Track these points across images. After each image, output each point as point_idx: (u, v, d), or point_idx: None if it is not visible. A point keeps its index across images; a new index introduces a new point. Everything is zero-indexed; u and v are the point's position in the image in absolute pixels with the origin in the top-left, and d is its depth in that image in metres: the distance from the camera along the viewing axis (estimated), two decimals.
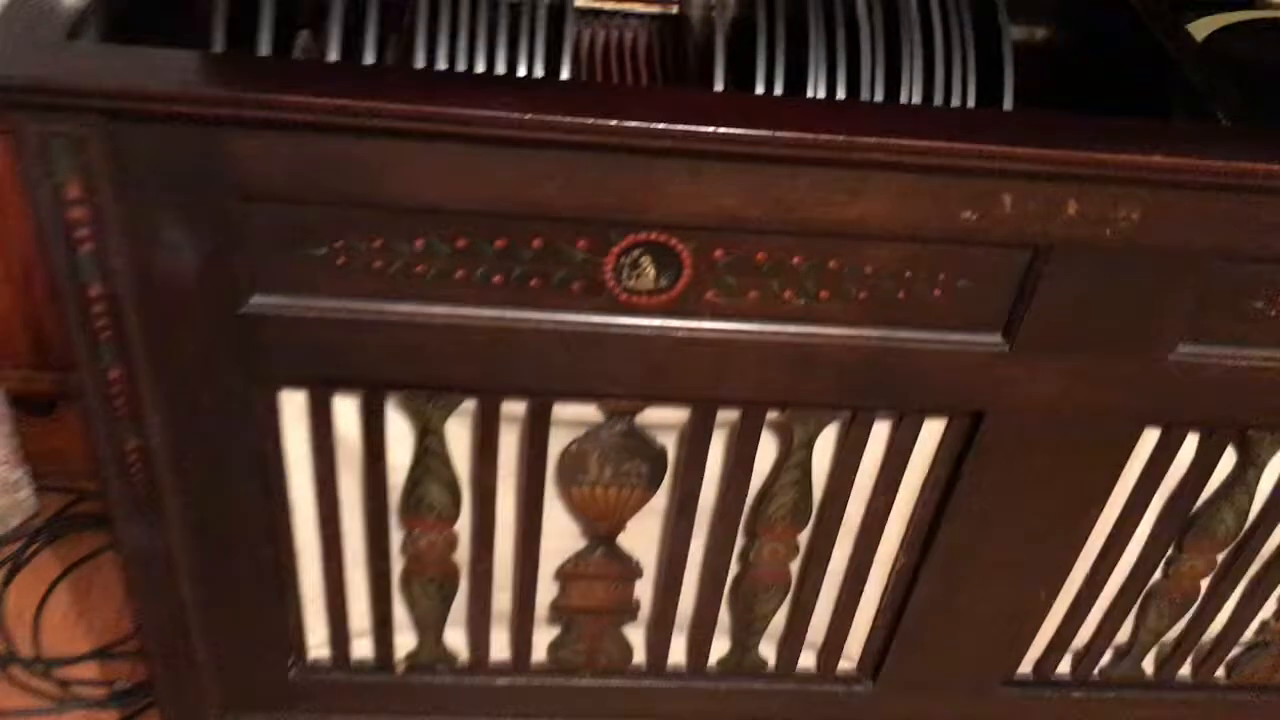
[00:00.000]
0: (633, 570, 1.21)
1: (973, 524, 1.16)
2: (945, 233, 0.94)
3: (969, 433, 1.09)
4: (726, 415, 1.08)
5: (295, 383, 1.02)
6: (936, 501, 1.15)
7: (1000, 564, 1.20)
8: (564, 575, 1.21)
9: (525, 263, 0.94)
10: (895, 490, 1.15)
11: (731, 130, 0.86)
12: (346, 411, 1.05)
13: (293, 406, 1.04)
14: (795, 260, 0.96)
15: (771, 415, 1.08)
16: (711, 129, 0.86)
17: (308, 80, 0.85)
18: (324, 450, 1.07)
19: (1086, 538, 1.20)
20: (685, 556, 1.19)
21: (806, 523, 1.17)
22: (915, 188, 0.91)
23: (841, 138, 0.86)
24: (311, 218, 0.91)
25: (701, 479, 1.12)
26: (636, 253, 0.94)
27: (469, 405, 1.05)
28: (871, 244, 0.95)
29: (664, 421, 1.08)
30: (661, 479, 1.12)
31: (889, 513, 1.17)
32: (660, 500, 1.15)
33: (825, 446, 1.11)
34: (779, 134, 0.86)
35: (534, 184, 0.88)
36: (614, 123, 0.84)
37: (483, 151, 0.86)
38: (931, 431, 1.11)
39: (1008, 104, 1.15)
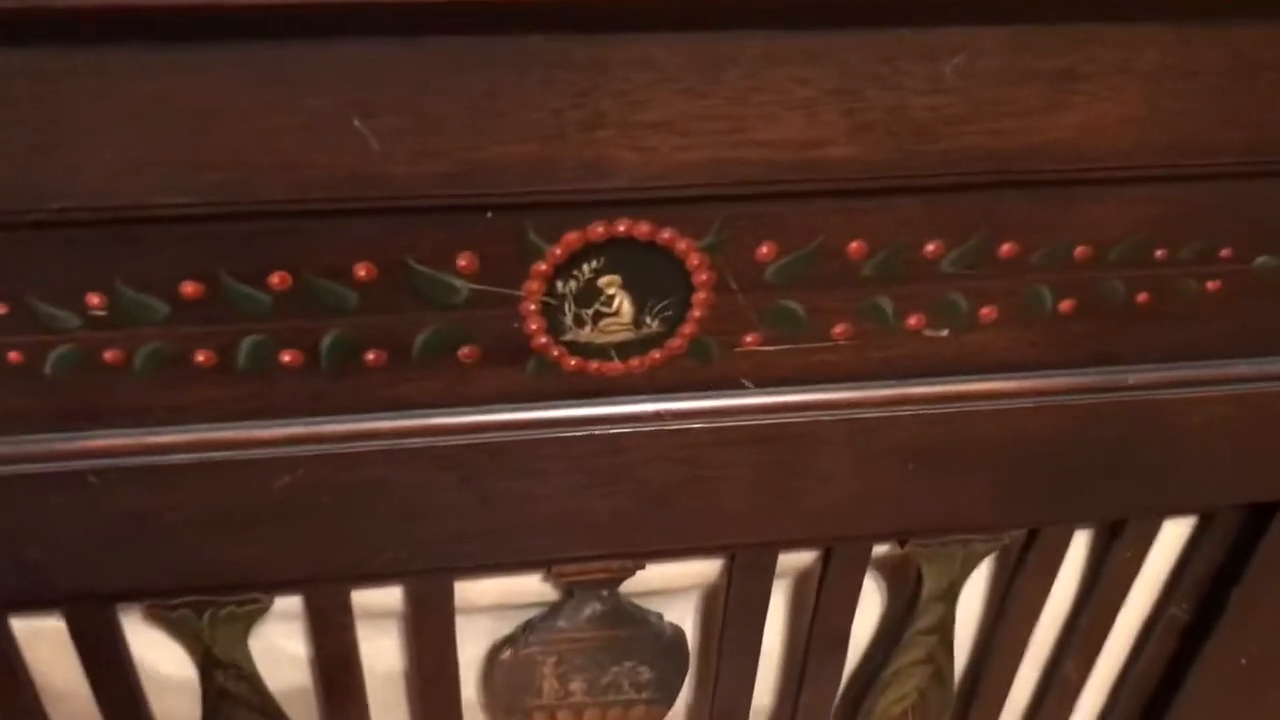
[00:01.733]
0: None
1: (1228, 686, 0.65)
2: (1249, 152, 0.43)
3: (1242, 537, 0.59)
4: (793, 560, 0.56)
5: None
6: (1167, 657, 0.65)
7: None
8: None
9: (344, 315, 0.42)
10: (1097, 649, 0.64)
11: None
12: (48, 642, 0.53)
13: None
14: (930, 249, 0.45)
15: (880, 550, 0.57)
16: None
17: None
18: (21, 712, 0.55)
19: None
20: None
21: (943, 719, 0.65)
22: (1196, 47, 0.40)
23: None
24: None
25: (754, 673, 0.60)
26: (590, 267, 0.43)
27: (288, 605, 0.53)
28: (1090, 196, 0.45)
29: (675, 583, 0.57)
30: (679, 686, 0.60)
31: (1082, 685, 0.66)
32: (682, 705, 0.63)
33: (974, 591, 0.61)
34: None
35: (336, 131, 0.37)
36: None
37: (212, 54, 0.35)
38: (1168, 544, 0.60)
39: None
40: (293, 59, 0.36)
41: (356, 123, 0.37)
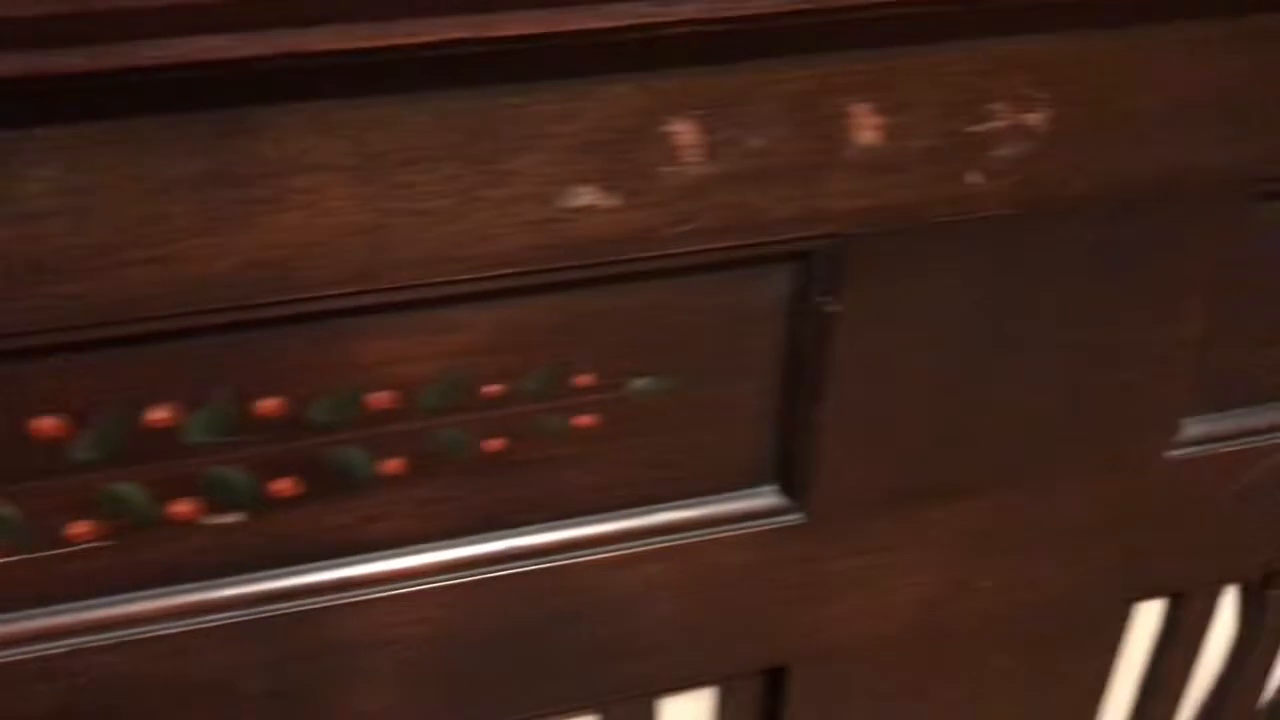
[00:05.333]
0: None
1: None
2: (545, 259, 0.34)
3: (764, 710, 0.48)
4: None
5: None
6: None
7: None
8: None
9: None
10: None
11: None
12: None
13: None
14: (159, 417, 0.34)
15: None
16: None
17: None
18: None
19: None
20: None
21: None
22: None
23: None
24: None
25: None
26: None
27: None
28: (362, 329, 0.35)
29: None
30: None
31: None
32: None
33: None
34: None
35: None
36: None
37: None
38: None
39: None
40: None
41: None
